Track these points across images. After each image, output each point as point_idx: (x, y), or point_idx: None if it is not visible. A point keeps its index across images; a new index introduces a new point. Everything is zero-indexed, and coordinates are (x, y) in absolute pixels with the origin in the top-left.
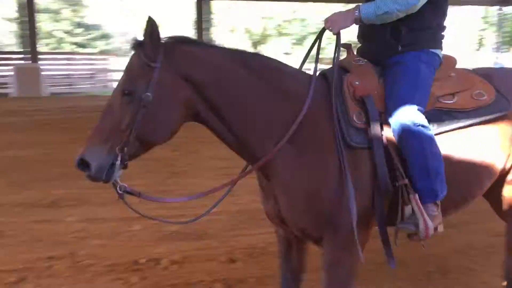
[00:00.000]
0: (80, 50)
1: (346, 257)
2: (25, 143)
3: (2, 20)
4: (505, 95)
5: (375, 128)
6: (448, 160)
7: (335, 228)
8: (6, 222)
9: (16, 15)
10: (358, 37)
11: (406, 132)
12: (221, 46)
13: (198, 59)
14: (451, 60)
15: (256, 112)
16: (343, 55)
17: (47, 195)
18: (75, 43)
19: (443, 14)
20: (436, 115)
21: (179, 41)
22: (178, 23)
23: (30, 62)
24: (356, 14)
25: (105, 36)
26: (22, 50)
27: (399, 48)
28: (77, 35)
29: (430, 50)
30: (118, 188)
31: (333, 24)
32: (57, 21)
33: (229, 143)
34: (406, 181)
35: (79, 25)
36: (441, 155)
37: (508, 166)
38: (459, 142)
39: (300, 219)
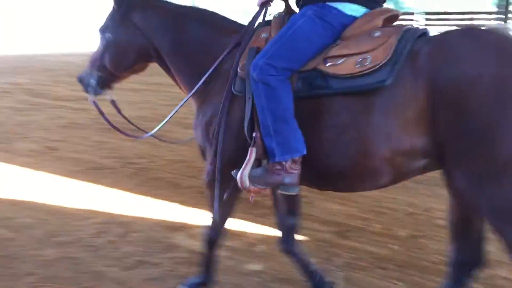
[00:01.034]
0: None
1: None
2: None
3: None
4: (406, 66)
5: (248, 79)
6: (318, 126)
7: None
8: None
9: None
10: None
11: (251, 87)
12: (171, 2)
13: (148, 13)
14: (375, 17)
15: (189, 61)
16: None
17: None
18: None
19: None
20: (310, 77)
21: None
22: None
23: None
24: None
25: None
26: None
27: (300, 2)
28: None
29: (327, 4)
30: (89, 99)
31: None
32: None
33: (174, 81)
34: (257, 134)
35: None
36: (288, 116)
37: (398, 146)
38: (330, 109)
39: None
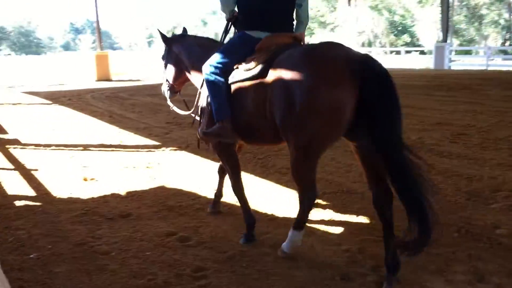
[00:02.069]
0: None
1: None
2: None
3: None
4: (271, 65)
5: None
6: (237, 100)
7: None
8: None
9: None
10: None
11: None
12: (191, 35)
13: (179, 44)
14: (273, 38)
15: (196, 69)
16: None
17: None
18: None
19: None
20: (234, 71)
21: (176, 36)
22: None
23: None
24: None
25: None
26: None
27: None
28: None
29: (245, 31)
30: (168, 104)
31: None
32: None
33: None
34: (210, 107)
35: None
36: (219, 95)
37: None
38: (241, 90)
39: None
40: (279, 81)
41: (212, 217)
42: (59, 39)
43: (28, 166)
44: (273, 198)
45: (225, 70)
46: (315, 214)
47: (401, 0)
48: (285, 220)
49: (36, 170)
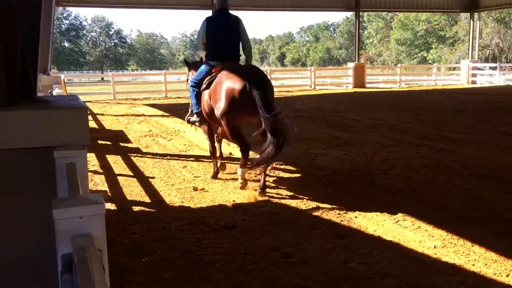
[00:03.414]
0: None
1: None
2: None
3: None
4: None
5: None
6: (204, 100)
7: None
8: None
9: None
10: None
11: None
12: (200, 61)
13: (192, 66)
14: (221, 65)
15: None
16: None
17: None
18: None
19: (210, 40)
20: (202, 84)
21: (193, 61)
22: None
23: None
24: None
25: None
26: None
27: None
28: None
29: (208, 61)
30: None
31: None
32: None
33: None
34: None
35: None
36: (193, 98)
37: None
38: (204, 95)
39: None
40: (217, 85)
41: (315, 235)
42: (180, 55)
43: (145, 173)
44: (380, 220)
45: (198, 83)
46: (428, 241)
47: None
48: (391, 245)
49: (153, 177)
